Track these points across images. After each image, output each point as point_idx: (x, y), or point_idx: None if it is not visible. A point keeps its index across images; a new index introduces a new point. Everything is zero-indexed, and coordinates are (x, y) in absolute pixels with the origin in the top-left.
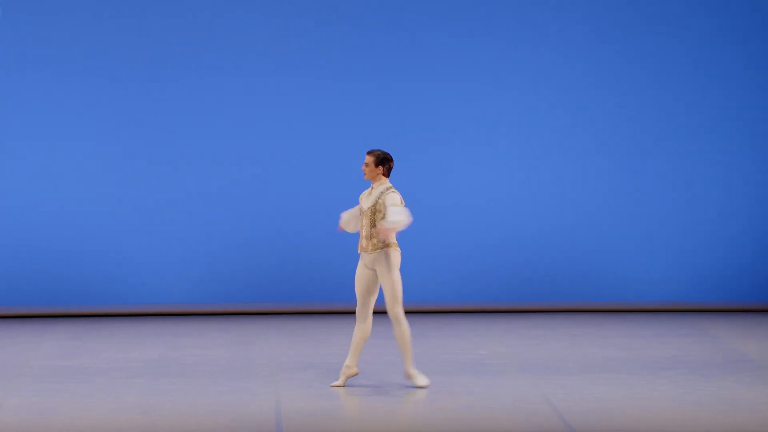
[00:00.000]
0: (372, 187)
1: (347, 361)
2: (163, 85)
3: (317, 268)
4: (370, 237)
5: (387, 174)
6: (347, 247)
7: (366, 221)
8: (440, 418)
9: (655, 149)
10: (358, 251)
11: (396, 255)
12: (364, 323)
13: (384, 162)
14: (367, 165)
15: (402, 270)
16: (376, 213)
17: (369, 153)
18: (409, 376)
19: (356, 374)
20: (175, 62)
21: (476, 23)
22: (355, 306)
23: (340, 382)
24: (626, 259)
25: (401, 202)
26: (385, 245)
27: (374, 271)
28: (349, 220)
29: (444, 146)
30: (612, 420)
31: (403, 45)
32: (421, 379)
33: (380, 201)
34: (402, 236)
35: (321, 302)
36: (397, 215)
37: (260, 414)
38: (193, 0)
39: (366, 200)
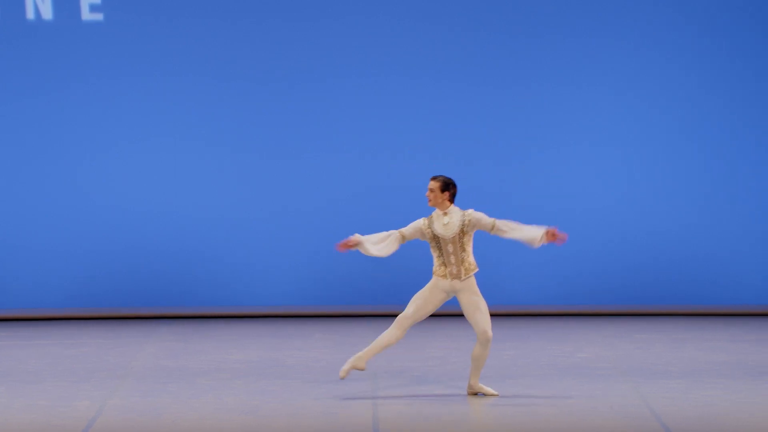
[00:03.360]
0: (445, 214)
1: (363, 354)
2: (276, 90)
3: (420, 272)
4: (462, 263)
5: (452, 200)
6: None
7: (453, 248)
8: (539, 421)
9: (763, 153)
10: (441, 277)
11: None
12: (400, 332)
13: (449, 188)
14: (432, 191)
15: (508, 273)
16: (464, 237)
17: (434, 179)
18: (480, 390)
19: (363, 369)
20: (292, 66)
21: (584, 25)
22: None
23: (347, 367)
24: (732, 262)
25: None
26: (474, 269)
27: (447, 295)
28: (383, 245)
29: (550, 150)
30: (713, 425)
31: (511, 49)
32: (491, 389)
33: (468, 223)
34: (504, 239)
35: None
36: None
37: (358, 416)
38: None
39: (443, 228)
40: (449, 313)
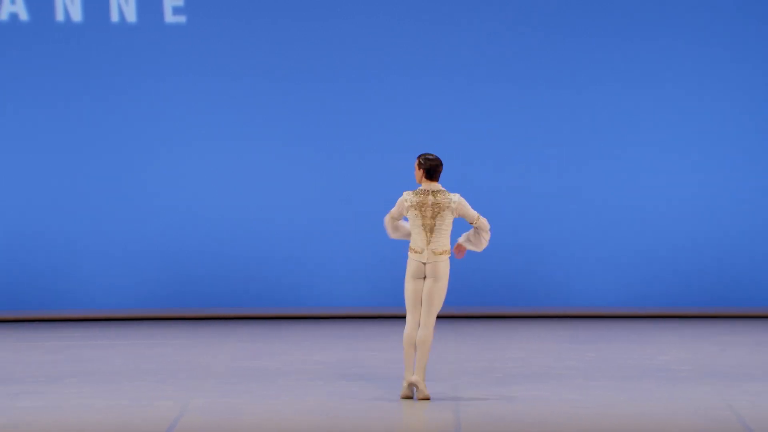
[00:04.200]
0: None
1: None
2: (348, 90)
3: (499, 270)
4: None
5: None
6: (526, 252)
7: None
8: (621, 423)
9: None
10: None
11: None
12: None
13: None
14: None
15: (583, 274)
16: None
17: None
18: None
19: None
20: (363, 65)
21: (658, 27)
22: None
23: (424, 394)
24: None
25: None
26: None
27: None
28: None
29: (625, 150)
30: None
31: (590, 50)
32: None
33: None
34: (582, 240)
35: (498, 306)
36: None
37: (440, 418)
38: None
39: None
40: (528, 315)
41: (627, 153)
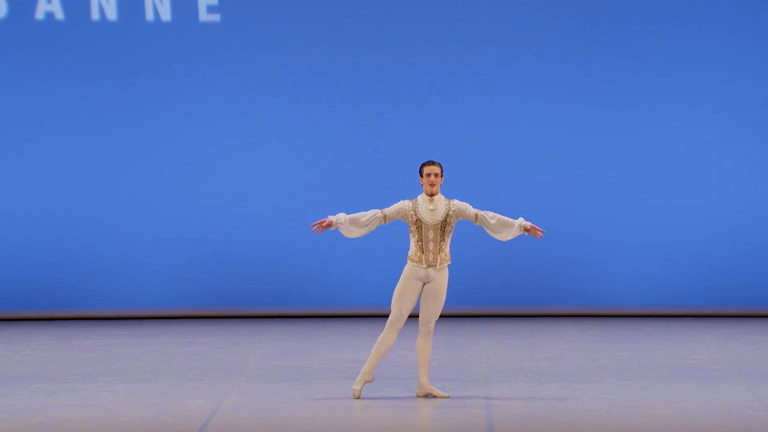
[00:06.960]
0: (432, 200)
1: (367, 368)
2: (386, 88)
3: (530, 269)
4: (439, 251)
5: None
6: (558, 252)
7: (434, 235)
8: (652, 423)
9: None
10: (416, 263)
11: None
12: (394, 334)
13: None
14: (437, 176)
15: (616, 273)
16: (447, 226)
17: (436, 164)
18: (430, 391)
19: (372, 380)
20: (405, 64)
21: (692, 24)
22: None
23: (360, 386)
24: None
25: None
26: (449, 260)
27: (422, 283)
28: (366, 228)
29: (661, 150)
30: None
31: (633, 49)
32: (440, 392)
33: (452, 213)
34: (615, 239)
35: (529, 305)
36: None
37: (472, 417)
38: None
39: (429, 214)
40: (559, 314)
41: (663, 153)
